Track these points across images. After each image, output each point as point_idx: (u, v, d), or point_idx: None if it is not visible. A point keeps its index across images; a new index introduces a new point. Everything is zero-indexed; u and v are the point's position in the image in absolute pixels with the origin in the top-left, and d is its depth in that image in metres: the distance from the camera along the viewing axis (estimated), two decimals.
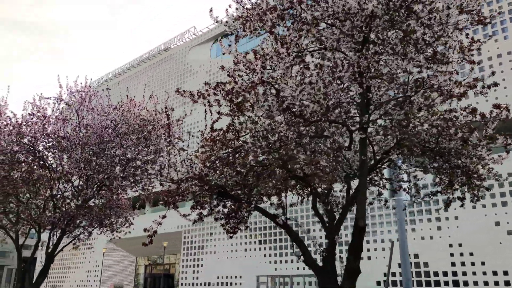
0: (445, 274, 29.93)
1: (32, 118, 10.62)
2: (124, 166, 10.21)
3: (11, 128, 10.54)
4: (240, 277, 40.32)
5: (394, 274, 31.94)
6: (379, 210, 33.88)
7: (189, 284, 44.05)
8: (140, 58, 60.31)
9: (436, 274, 30.39)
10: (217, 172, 7.15)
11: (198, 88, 11.56)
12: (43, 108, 10.82)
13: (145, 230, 6.95)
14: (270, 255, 38.83)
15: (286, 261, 37.51)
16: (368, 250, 33.55)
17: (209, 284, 42.34)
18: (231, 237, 8.53)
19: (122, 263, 52.67)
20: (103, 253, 47.98)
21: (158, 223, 6.99)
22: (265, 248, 39.36)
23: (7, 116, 10.71)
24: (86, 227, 12.11)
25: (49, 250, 11.84)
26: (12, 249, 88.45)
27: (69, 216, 10.61)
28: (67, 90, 11.36)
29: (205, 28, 53.38)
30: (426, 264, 31.09)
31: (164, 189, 7.69)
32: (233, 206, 8.17)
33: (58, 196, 11.26)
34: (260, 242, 39.89)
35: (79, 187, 10.90)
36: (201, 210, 7.91)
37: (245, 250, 40.83)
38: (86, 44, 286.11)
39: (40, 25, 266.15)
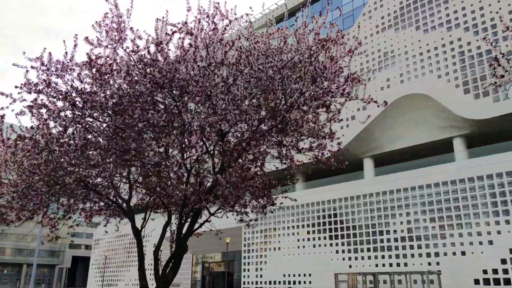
0: None
1: (167, 43, 7.60)
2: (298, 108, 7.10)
3: (143, 55, 7.55)
4: (310, 275, 37.23)
5: (496, 271, 27.99)
6: (473, 199, 29.95)
7: (252, 283, 41.34)
8: None
9: None
10: None
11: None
12: (164, 40, 7.73)
13: None
14: (343, 251, 35.53)
15: (363, 258, 34.11)
16: (462, 244, 29.65)
17: (274, 283, 39.47)
18: None
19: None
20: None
21: None
22: (337, 244, 36.06)
23: (136, 38, 7.62)
24: (208, 207, 9.16)
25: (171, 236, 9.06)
26: (63, 248, 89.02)
27: (204, 190, 7.70)
28: (198, 15, 7.68)
29: (265, 10, 50.60)
30: None
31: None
32: None
33: (194, 158, 8.23)
34: (331, 237, 36.63)
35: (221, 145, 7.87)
36: None
37: (314, 246, 37.71)
38: None
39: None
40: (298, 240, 38.90)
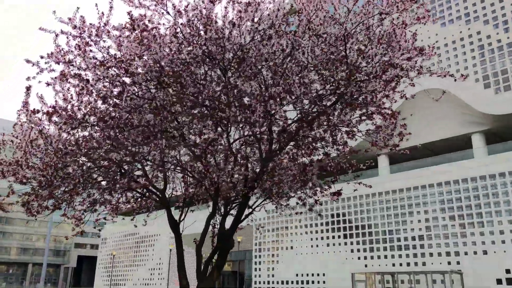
0: None
1: None
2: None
3: (194, 15, 6.08)
4: (323, 274, 36.33)
5: None
6: (494, 197, 29.00)
7: (263, 283, 40.49)
8: None
9: None
10: None
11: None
12: None
13: None
14: (358, 250, 34.60)
15: (379, 257, 33.17)
16: (483, 243, 28.70)
17: (287, 282, 38.60)
18: None
19: (186, 260, 49.78)
20: (170, 249, 45.25)
21: None
22: (352, 243, 35.14)
23: None
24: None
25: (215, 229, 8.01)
26: (69, 248, 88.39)
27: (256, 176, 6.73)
28: None
29: None
30: None
31: None
32: None
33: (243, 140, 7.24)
34: (345, 236, 35.71)
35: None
36: None
37: (328, 245, 36.80)
38: None
39: None
40: (312, 239, 38.01)
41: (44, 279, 55.86)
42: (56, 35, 6.28)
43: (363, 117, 6.95)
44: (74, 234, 8.08)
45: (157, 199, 8.47)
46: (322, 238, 37.32)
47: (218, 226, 8.25)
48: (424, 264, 30.78)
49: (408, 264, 31.41)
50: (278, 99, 5.70)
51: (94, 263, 65.69)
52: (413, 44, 6.50)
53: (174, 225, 8.37)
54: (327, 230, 37.02)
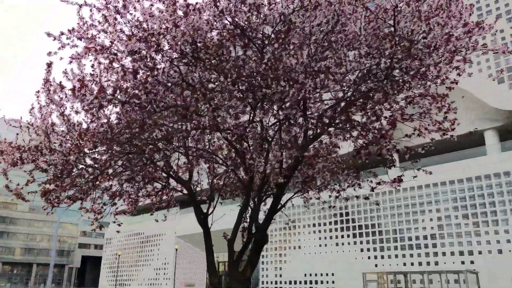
0: None
1: None
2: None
3: None
4: (332, 274, 35.73)
5: None
6: (509, 194, 28.36)
7: (271, 283, 39.91)
8: None
9: None
10: None
11: None
12: None
13: None
14: (368, 250, 33.98)
15: (390, 256, 32.54)
16: (498, 241, 28.08)
17: (295, 282, 38.02)
18: None
19: (193, 260, 49.31)
20: (176, 249, 44.72)
21: None
22: (361, 242, 34.51)
23: None
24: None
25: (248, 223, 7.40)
26: (73, 248, 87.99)
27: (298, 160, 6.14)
28: None
29: None
30: None
31: None
32: None
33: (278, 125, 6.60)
34: (355, 235, 35.10)
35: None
36: None
37: (337, 244, 36.18)
38: None
39: None
40: (320, 239, 37.40)
41: (51, 279, 55.42)
42: (80, 6, 5.74)
43: (408, 99, 6.39)
44: (94, 228, 7.55)
45: (181, 191, 7.90)
46: (330, 237, 36.72)
47: (248, 219, 7.69)
48: (436, 263, 30.15)
49: (420, 264, 30.78)
50: (328, 74, 5.14)
51: (98, 264, 65.23)
52: (470, 16, 5.96)
53: (203, 218, 7.77)
54: (336, 229, 36.42)
